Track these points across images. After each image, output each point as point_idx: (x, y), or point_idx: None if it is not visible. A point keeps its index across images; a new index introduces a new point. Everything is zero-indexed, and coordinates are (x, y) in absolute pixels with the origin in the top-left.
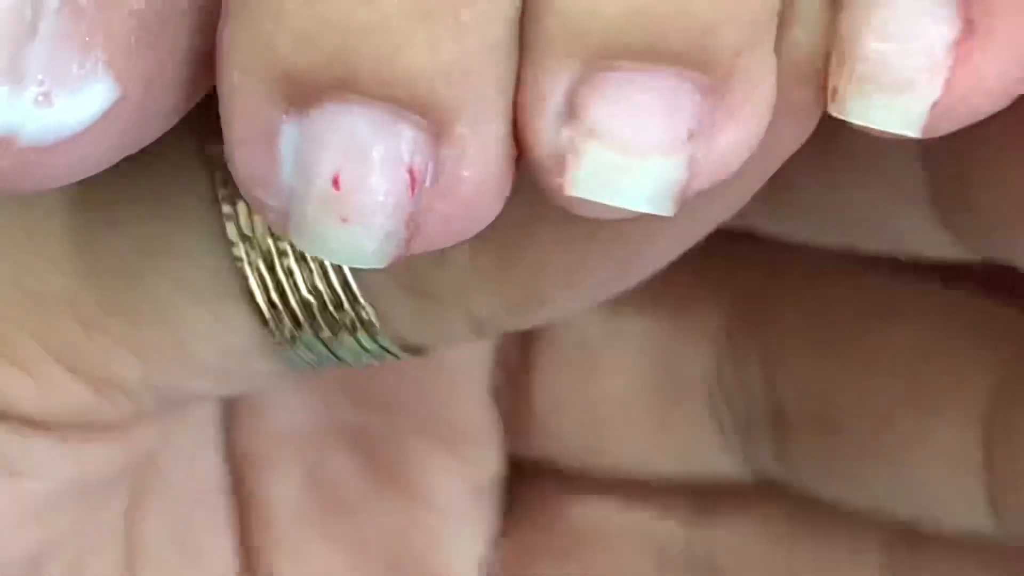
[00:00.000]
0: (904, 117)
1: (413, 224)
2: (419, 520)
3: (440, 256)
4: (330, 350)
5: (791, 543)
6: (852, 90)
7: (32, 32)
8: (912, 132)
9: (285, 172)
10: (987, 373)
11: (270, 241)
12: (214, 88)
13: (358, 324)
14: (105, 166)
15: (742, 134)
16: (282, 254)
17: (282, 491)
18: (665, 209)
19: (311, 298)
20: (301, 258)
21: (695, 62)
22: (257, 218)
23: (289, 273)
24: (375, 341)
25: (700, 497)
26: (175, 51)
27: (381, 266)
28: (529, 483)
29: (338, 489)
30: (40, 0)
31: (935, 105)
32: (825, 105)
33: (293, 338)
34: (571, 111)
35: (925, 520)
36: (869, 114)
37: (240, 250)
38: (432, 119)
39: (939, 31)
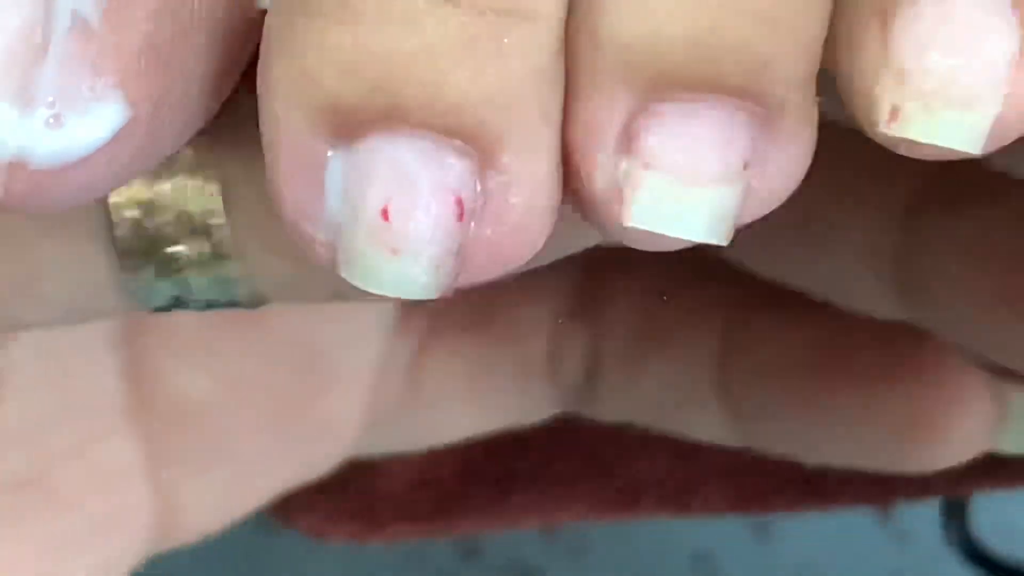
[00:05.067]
0: (969, 133)
1: (463, 254)
2: (328, 315)
3: None
4: (182, 298)
5: None
6: (917, 107)
7: (42, 54)
8: (973, 149)
9: (332, 206)
10: (909, 176)
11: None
12: (222, 107)
13: (220, 282)
14: (117, 187)
15: (791, 165)
16: (148, 201)
17: (191, 389)
18: (721, 238)
19: (179, 249)
20: (170, 202)
21: (751, 94)
22: None
23: (150, 212)
24: (228, 291)
25: None
26: (185, 72)
27: (431, 298)
28: None
29: (249, 373)
30: (50, 22)
31: (996, 120)
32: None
33: (138, 271)
34: (628, 142)
35: (841, 303)
36: (935, 131)
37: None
38: (479, 148)
39: (1000, 44)
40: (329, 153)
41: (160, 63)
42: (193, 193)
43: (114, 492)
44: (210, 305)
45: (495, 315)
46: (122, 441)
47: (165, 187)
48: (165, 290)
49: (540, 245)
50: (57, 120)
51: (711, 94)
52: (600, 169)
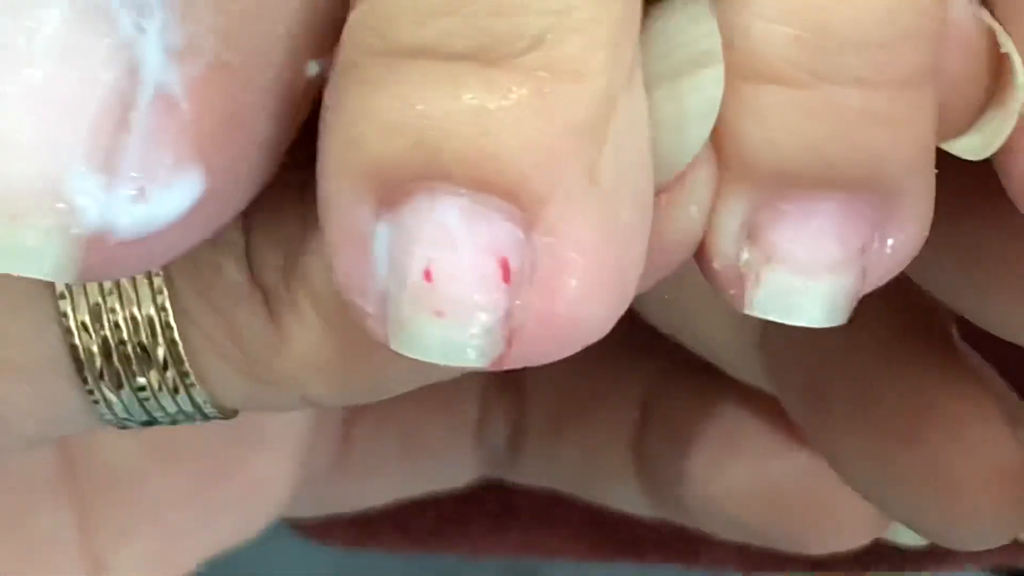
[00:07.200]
0: None
1: (511, 322)
2: (252, 446)
3: (281, 345)
4: (151, 419)
5: None
6: None
7: (125, 128)
8: None
9: (379, 275)
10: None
11: (99, 298)
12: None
13: (189, 404)
14: (182, 254)
15: (909, 240)
16: (115, 327)
17: (120, 454)
18: (838, 320)
19: (143, 381)
20: (129, 336)
21: (869, 187)
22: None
23: (111, 350)
24: (199, 411)
25: None
26: (257, 138)
27: (481, 367)
28: None
29: (177, 438)
30: (132, 96)
31: None
32: None
33: (109, 403)
34: (749, 233)
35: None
36: None
37: (71, 324)
38: (523, 206)
39: None
40: (376, 223)
41: (236, 135)
42: (148, 324)
43: (48, 562)
44: (176, 421)
45: None
46: (53, 511)
47: (122, 321)
48: (137, 416)
49: (602, 322)
50: (141, 193)
51: (830, 191)
52: (722, 254)
